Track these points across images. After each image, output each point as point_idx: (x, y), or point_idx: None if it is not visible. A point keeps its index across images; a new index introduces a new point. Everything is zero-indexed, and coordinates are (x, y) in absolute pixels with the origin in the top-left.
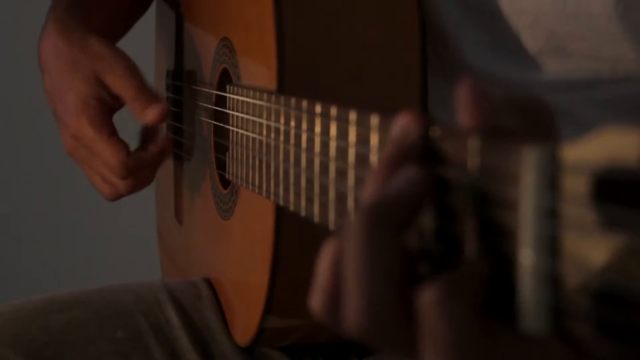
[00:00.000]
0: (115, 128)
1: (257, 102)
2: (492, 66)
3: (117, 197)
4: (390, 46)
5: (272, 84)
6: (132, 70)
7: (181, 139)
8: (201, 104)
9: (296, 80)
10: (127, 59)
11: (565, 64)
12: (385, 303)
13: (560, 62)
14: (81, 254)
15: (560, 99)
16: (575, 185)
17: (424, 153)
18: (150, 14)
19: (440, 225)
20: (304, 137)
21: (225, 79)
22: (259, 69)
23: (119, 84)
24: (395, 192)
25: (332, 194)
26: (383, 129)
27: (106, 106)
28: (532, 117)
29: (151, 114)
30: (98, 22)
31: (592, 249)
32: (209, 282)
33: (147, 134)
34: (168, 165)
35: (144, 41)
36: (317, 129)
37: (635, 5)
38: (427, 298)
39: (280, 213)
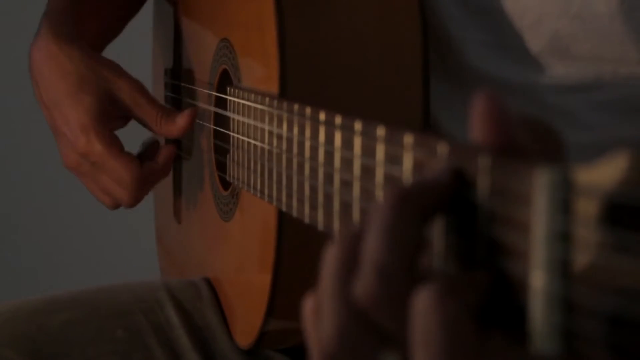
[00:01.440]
0: (122, 144)
1: (259, 106)
2: (494, 67)
3: (118, 207)
4: (392, 48)
5: (273, 87)
6: (142, 88)
7: (180, 138)
8: (201, 104)
9: (298, 82)
10: (133, 79)
11: (567, 65)
12: (396, 275)
13: (562, 63)
14: (81, 254)
15: (561, 100)
16: (589, 209)
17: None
18: (148, 11)
19: (450, 242)
20: (307, 145)
21: (225, 80)
22: (259, 70)
23: (133, 102)
24: (423, 180)
25: (336, 204)
26: (389, 141)
27: (113, 123)
28: (541, 138)
29: (177, 128)
30: (93, 26)
31: (605, 273)
32: (209, 282)
33: (151, 144)
34: None
35: (141, 38)
36: (321, 137)
37: (639, 5)
38: (423, 296)
39: (283, 216)
